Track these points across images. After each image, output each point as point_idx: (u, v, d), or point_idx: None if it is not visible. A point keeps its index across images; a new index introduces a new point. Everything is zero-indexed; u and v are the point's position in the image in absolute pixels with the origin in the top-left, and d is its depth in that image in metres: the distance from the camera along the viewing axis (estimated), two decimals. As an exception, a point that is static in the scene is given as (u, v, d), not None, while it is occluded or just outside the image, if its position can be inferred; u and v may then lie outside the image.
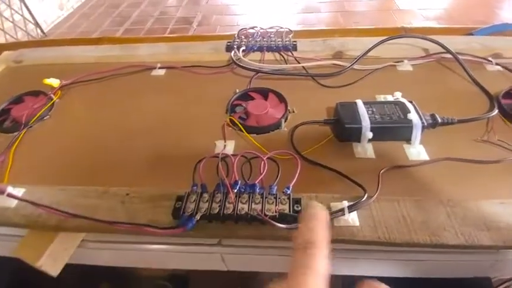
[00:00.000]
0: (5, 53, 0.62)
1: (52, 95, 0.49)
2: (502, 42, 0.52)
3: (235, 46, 0.52)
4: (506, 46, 0.51)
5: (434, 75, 0.48)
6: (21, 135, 0.44)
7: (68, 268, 0.34)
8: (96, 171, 0.37)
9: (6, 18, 2.36)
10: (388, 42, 0.51)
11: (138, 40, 0.65)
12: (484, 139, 0.37)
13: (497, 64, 0.48)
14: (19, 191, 0.34)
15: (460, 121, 0.39)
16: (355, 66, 0.49)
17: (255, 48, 0.52)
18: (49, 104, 0.48)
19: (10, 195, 0.32)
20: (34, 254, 0.31)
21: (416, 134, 0.36)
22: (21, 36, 2.83)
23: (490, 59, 0.49)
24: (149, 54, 0.58)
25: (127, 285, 1.20)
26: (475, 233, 0.28)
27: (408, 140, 0.37)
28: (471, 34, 0.58)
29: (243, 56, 0.51)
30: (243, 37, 0.55)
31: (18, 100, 0.50)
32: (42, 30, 2.56)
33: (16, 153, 0.41)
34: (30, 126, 0.46)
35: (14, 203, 0.33)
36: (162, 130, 0.42)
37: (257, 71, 0.48)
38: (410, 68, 0.50)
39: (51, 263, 0.32)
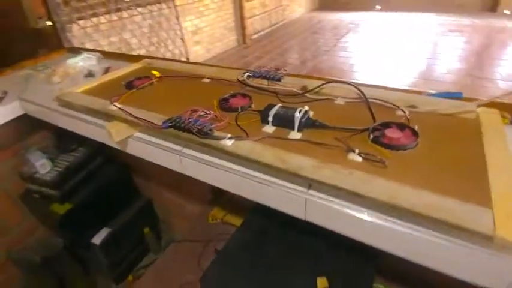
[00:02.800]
0: (145, 59, 1.18)
1: (153, 79, 0.98)
2: (420, 98, 0.70)
3: (245, 73, 0.89)
4: (422, 101, 0.69)
5: (354, 109, 0.72)
6: (133, 92, 0.92)
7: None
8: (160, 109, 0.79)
9: (170, 51, 3.54)
10: (337, 85, 0.77)
11: (208, 66, 1.11)
12: (338, 138, 0.60)
13: (402, 110, 0.67)
14: (119, 105, 0.79)
15: (332, 127, 0.62)
16: (307, 95, 0.78)
17: (257, 76, 0.87)
18: (150, 82, 0.96)
19: (114, 103, 0.77)
20: (112, 129, 0.73)
21: (296, 124, 0.63)
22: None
23: (400, 106, 0.68)
24: (209, 71, 1.01)
25: (162, 230, 1.62)
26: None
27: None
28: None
29: (247, 78, 0.87)
30: (256, 70, 0.91)
31: (138, 78, 1.00)
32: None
33: (128, 96, 0.88)
34: (141, 88, 0.94)
35: (116, 108, 0.78)
36: (192, 100, 0.82)
37: (246, 84, 0.84)
38: (342, 103, 0.74)
39: (116, 134, 0.73)
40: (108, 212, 1.45)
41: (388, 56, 4.40)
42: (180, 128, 0.65)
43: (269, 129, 0.66)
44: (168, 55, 3.90)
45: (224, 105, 0.76)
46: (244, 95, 0.79)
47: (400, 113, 0.68)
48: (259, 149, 0.57)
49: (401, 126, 0.61)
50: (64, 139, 1.37)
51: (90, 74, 1.19)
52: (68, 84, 1.09)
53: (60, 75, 1.14)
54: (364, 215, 0.49)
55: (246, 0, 5.29)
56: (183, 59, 4.23)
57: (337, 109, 0.73)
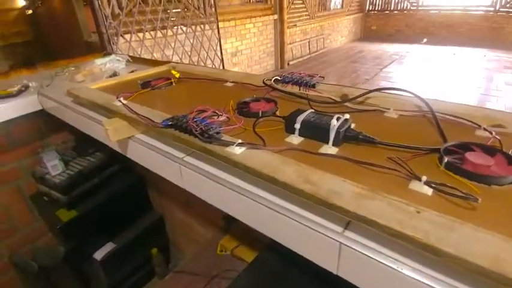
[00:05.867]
0: (171, 63, 1.10)
1: (172, 80, 0.88)
2: (509, 117, 0.50)
3: (273, 77, 0.75)
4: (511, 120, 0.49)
5: (412, 124, 0.53)
6: (147, 91, 0.82)
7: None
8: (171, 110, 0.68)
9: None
10: (388, 96, 0.60)
11: (234, 72, 1.00)
12: (393, 158, 0.42)
13: (486, 130, 0.48)
14: (125, 101, 0.68)
15: (384, 144, 0.45)
16: (347, 104, 0.61)
17: (287, 81, 0.73)
18: (168, 81, 0.86)
19: (120, 100, 0.67)
20: (110, 126, 0.62)
21: (332, 134, 0.46)
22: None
23: (481, 125, 0.49)
24: (233, 75, 0.89)
25: (170, 252, 1.47)
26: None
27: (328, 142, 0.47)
28: None
29: (276, 83, 0.73)
30: (286, 74, 0.77)
31: (157, 79, 0.90)
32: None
33: (140, 95, 0.78)
34: (158, 88, 0.83)
35: (120, 104, 0.67)
36: (209, 102, 0.70)
37: (273, 88, 0.69)
38: (395, 116, 0.56)
39: (114, 133, 0.62)
40: (116, 225, 1.34)
41: (436, 89, 4.06)
42: (181, 129, 0.51)
43: (295, 139, 0.50)
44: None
45: (243, 109, 0.62)
46: (268, 100, 0.65)
47: (481, 133, 0.49)
48: (277, 162, 0.41)
49: (490, 151, 0.41)
50: (83, 142, 1.32)
51: (114, 75, 1.14)
52: (88, 83, 1.04)
53: (84, 74, 1.10)
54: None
55: (288, 27, 5.36)
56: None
57: (388, 123, 0.55)
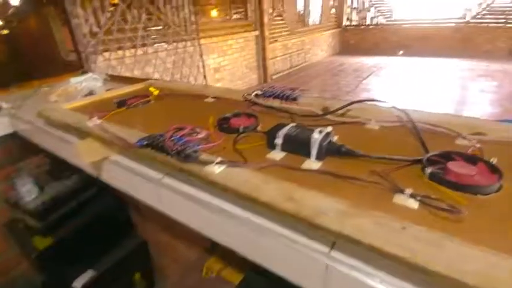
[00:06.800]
0: (149, 81, 1.08)
1: (150, 97, 0.85)
2: (487, 124, 0.51)
3: (254, 92, 0.74)
4: (491, 128, 0.50)
5: (393, 135, 0.53)
6: (123, 110, 0.79)
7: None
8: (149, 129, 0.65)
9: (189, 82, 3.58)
10: (369, 107, 0.60)
11: (216, 87, 0.98)
12: (376, 171, 0.41)
13: (464, 138, 0.48)
14: (99, 121, 0.65)
15: (366, 156, 0.44)
16: (329, 117, 0.61)
17: (268, 95, 0.72)
18: (146, 99, 0.84)
19: (93, 120, 0.63)
20: (83, 147, 0.59)
21: (314, 148, 0.45)
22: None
23: (461, 133, 0.49)
24: (214, 91, 0.88)
25: (154, 276, 1.39)
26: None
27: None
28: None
29: (257, 98, 0.72)
30: (267, 88, 0.76)
31: (134, 97, 0.88)
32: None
33: (116, 114, 0.75)
34: (133, 106, 0.81)
35: (93, 124, 0.64)
36: (189, 119, 0.67)
37: (253, 103, 0.68)
38: (376, 127, 0.56)
39: (87, 155, 0.58)
40: (96, 250, 1.26)
41: (414, 98, 4.22)
42: (158, 148, 0.49)
43: (277, 155, 0.48)
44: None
45: (223, 125, 0.60)
46: (249, 115, 0.63)
47: (461, 142, 0.49)
48: (257, 181, 0.39)
49: (471, 159, 0.41)
50: (59, 164, 1.25)
51: (91, 94, 1.10)
52: (62, 103, 1.00)
53: (57, 94, 1.06)
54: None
55: (269, 42, 5.47)
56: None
57: (370, 134, 0.55)
